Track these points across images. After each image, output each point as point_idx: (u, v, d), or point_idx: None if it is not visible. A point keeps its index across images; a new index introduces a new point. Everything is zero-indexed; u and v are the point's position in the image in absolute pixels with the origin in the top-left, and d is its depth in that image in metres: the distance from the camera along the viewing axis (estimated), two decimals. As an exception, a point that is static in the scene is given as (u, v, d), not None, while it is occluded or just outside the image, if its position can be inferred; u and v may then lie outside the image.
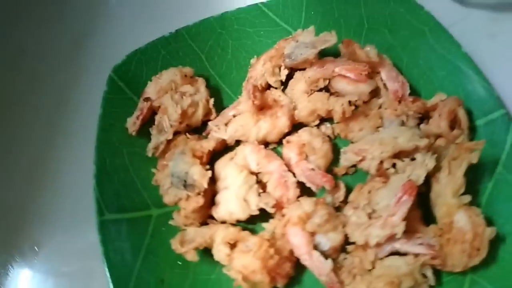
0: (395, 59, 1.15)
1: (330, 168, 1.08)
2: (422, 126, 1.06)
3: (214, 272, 1.01)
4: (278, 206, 1.01)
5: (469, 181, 0.96)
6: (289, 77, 1.15)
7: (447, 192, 0.95)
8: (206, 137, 1.13)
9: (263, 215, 1.01)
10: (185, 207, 0.99)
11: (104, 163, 1.06)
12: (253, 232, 1.02)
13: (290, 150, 1.07)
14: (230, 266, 0.96)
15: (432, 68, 1.13)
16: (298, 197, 1.02)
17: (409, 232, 0.94)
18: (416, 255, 0.93)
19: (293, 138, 1.08)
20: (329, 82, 1.11)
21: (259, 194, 1.01)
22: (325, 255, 0.96)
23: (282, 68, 1.14)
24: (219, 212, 1.02)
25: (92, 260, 1.05)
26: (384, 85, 1.12)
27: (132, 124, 1.11)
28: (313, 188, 1.04)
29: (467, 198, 0.95)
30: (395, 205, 0.92)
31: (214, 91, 1.17)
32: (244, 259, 0.94)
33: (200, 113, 1.12)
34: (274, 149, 1.11)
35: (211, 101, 1.13)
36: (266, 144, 1.11)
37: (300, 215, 0.96)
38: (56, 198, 1.16)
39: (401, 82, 1.11)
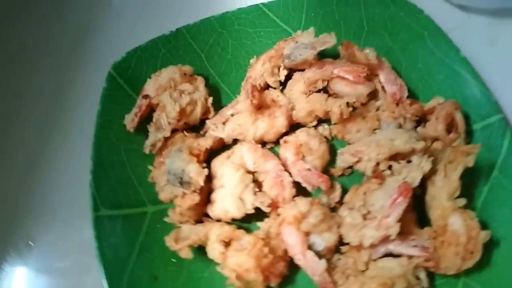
0: (394, 62, 1.15)
1: (326, 169, 1.09)
2: (419, 129, 1.06)
3: (208, 270, 1.01)
4: (274, 205, 1.01)
5: (465, 185, 0.96)
6: (288, 77, 1.15)
7: (442, 194, 0.95)
8: (203, 135, 1.13)
9: (259, 214, 1.01)
10: (181, 204, 0.99)
11: (101, 159, 1.06)
12: (248, 231, 1.02)
13: (287, 150, 1.07)
14: (224, 264, 0.96)
15: (430, 71, 1.13)
16: (294, 197, 1.02)
17: (403, 234, 0.94)
18: (410, 257, 0.94)
19: (290, 138, 1.09)
20: (327, 84, 1.12)
21: (255, 193, 1.01)
22: (319, 255, 0.96)
23: (281, 68, 1.14)
24: (214, 210, 1.02)
25: (86, 256, 1.05)
26: (382, 87, 1.12)
27: (130, 121, 1.11)
28: (309, 188, 1.04)
29: (462, 201, 0.95)
30: (390, 207, 0.92)
31: (213, 90, 1.18)
32: (238, 257, 0.94)
33: (198, 112, 1.12)
34: (271, 149, 1.11)
35: (210, 99, 1.14)
36: (263, 143, 1.11)
37: (295, 215, 0.96)
38: (53, 193, 1.16)
39: (399, 85, 1.11)
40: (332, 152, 1.09)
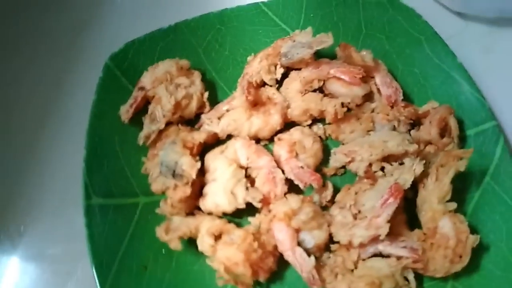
0: (391, 66, 1.15)
1: (319, 168, 1.09)
2: (412, 132, 1.07)
3: (197, 263, 1.01)
4: (265, 201, 1.01)
5: (456, 190, 0.97)
6: (285, 76, 1.16)
7: (433, 198, 0.95)
8: (198, 129, 1.13)
9: (250, 210, 1.02)
10: (172, 196, 0.99)
11: (95, 149, 1.06)
12: (239, 225, 1.02)
13: (280, 148, 1.07)
14: (213, 257, 0.96)
15: (426, 76, 1.13)
16: (286, 194, 1.02)
17: (393, 235, 0.94)
18: (399, 258, 0.94)
19: (284, 136, 1.09)
20: (323, 84, 1.12)
21: (247, 188, 1.01)
22: (309, 252, 0.96)
23: (278, 66, 1.15)
24: (206, 203, 1.02)
25: (76, 244, 1.05)
26: (378, 89, 1.13)
27: (125, 112, 1.11)
28: (301, 186, 1.04)
29: (453, 205, 0.95)
30: (381, 207, 0.93)
31: (209, 85, 1.18)
32: (227, 251, 0.94)
33: (193, 106, 1.12)
34: (265, 146, 1.11)
35: (206, 94, 1.14)
36: (257, 140, 1.11)
37: (286, 211, 0.96)
38: (45, 181, 1.16)
39: (394, 88, 1.12)
40: (326, 152, 1.10)
